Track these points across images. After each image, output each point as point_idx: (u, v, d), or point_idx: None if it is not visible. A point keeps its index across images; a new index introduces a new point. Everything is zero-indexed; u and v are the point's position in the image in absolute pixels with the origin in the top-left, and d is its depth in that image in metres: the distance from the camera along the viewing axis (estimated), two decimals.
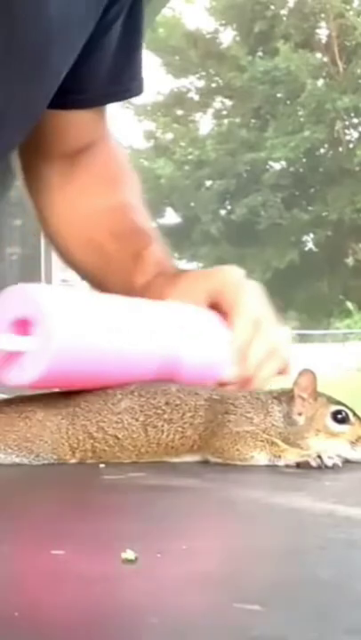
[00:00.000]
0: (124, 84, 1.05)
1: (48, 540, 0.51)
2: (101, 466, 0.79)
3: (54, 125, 1.04)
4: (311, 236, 24.37)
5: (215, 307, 0.91)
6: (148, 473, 0.75)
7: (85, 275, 1.09)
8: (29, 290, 0.81)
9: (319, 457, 0.77)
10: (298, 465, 0.78)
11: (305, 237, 24.42)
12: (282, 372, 0.93)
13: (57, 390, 0.85)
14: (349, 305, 24.85)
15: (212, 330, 0.90)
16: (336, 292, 24.47)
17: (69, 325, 0.78)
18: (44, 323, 0.76)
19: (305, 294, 24.02)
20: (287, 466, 0.78)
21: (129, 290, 0.97)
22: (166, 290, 0.94)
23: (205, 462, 0.81)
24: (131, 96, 1.08)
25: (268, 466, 0.79)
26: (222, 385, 0.88)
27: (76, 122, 1.05)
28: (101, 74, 1.01)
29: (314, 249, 24.47)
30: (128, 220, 1.06)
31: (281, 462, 0.79)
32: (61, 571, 0.44)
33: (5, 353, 0.77)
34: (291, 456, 0.79)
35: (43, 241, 4.11)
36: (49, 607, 0.38)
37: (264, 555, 0.48)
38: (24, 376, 0.77)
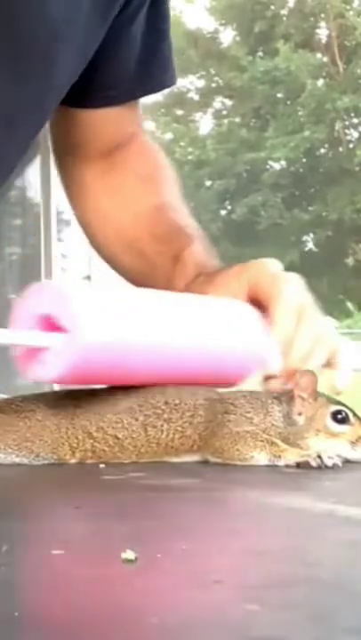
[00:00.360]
0: (153, 76, 1.04)
1: (48, 540, 0.51)
2: (101, 466, 0.79)
3: (88, 125, 1.03)
4: (311, 235, 24.36)
5: (255, 299, 0.89)
6: (148, 473, 0.75)
7: (129, 277, 1.07)
8: (55, 287, 0.81)
9: (319, 457, 0.77)
10: (298, 465, 0.78)
11: (305, 237, 24.42)
12: (331, 363, 0.89)
13: (57, 390, 0.85)
14: (349, 305, 24.83)
15: (254, 322, 0.87)
16: (336, 292, 24.45)
17: (96, 322, 0.77)
18: (70, 319, 0.76)
19: None
20: (287, 466, 0.78)
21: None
22: (205, 288, 0.92)
23: (205, 462, 0.81)
24: (162, 88, 1.07)
25: (268, 466, 0.79)
26: (267, 379, 0.85)
27: (108, 119, 1.04)
28: (129, 68, 1.00)
29: (314, 249, 24.47)
30: (167, 221, 1.04)
31: (281, 462, 0.79)
32: (61, 571, 0.44)
33: (31, 349, 0.77)
34: (291, 456, 0.79)
35: (43, 241, 4.11)
36: (49, 607, 0.38)
37: (264, 554, 0.48)
38: (49, 372, 0.76)
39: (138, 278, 1.04)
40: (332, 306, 24.85)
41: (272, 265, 0.92)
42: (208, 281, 0.94)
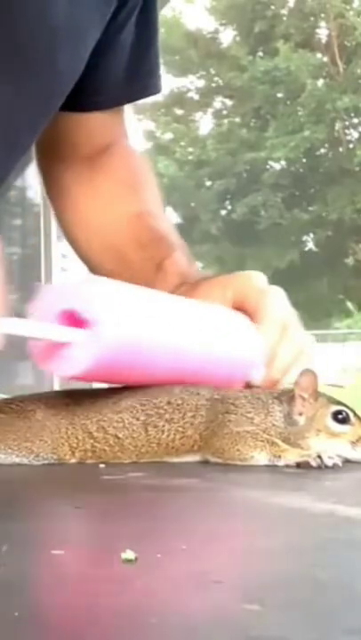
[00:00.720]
0: (140, 82, 1.05)
1: (48, 540, 0.51)
2: (101, 466, 0.79)
3: (73, 128, 1.04)
4: (311, 235, 24.36)
5: (239, 311, 0.91)
6: (148, 473, 0.75)
7: None
8: (79, 283, 0.81)
9: (319, 457, 0.77)
10: (298, 465, 0.78)
11: (305, 237, 24.41)
12: None
13: (57, 390, 0.85)
14: (349, 305, 24.83)
15: (245, 329, 0.89)
16: (336, 291, 24.46)
17: (120, 318, 0.78)
18: (95, 315, 0.76)
19: (305, 294, 24.01)
20: (287, 466, 0.78)
21: None
22: (189, 297, 0.93)
23: (205, 462, 0.81)
24: (148, 95, 1.08)
25: (268, 466, 0.79)
26: (249, 387, 0.88)
27: (94, 124, 1.04)
28: (118, 74, 1.01)
29: (314, 249, 24.47)
30: (149, 228, 1.05)
31: (281, 462, 0.79)
32: (61, 571, 0.44)
33: (54, 343, 0.76)
34: (291, 456, 0.79)
35: (43, 241, 4.12)
36: (49, 607, 0.38)
37: (264, 555, 0.48)
38: (73, 367, 0.76)
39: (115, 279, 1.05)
40: (332, 306, 24.86)
41: (257, 278, 0.94)
42: (191, 290, 0.95)
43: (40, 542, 0.51)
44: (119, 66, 1.00)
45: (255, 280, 0.93)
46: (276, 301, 0.92)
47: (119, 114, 1.08)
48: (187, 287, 0.97)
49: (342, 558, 0.48)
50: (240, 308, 0.90)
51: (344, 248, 23.79)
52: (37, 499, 0.67)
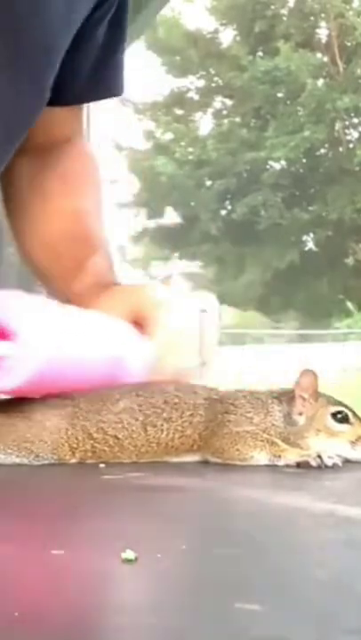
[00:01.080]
0: (105, 83, 1.06)
1: (48, 540, 0.51)
2: (101, 466, 0.79)
3: None
4: (311, 235, 24.36)
5: (136, 324, 0.95)
6: (148, 473, 0.75)
7: (37, 274, 1.11)
8: (4, 297, 0.83)
9: (319, 457, 0.77)
10: (298, 465, 0.78)
11: (305, 237, 24.41)
12: None
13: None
14: (349, 305, 24.84)
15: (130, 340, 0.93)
16: (336, 291, 24.46)
17: (48, 334, 0.82)
18: (25, 330, 0.79)
19: (305, 294, 24.02)
20: (287, 466, 0.78)
21: (67, 295, 1.03)
22: (94, 301, 0.98)
23: (205, 462, 0.81)
24: (110, 96, 1.09)
25: (268, 466, 0.79)
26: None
27: (52, 119, 1.05)
28: (84, 72, 1.02)
29: (314, 249, 24.47)
30: (81, 226, 1.08)
31: (281, 462, 0.79)
32: (61, 571, 0.44)
33: None
34: (291, 456, 0.79)
35: None
36: (49, 607, 0.38)
37: (264, 555, 0.48)
38: (5, 382, 0.79)
39: (46, 275, 1.09)
40: (332, 306, 24.87)
41: (154, 293, 0.99)
42: (98, 294, 1.00)
43: (40, 542, 0.51)
44: (86, 65, 1.01)
45: (152, 294, 0.98)
46: (166, 317, 0.96)
47: (78, 111, 1.10)
48: (96, 290, 1.01)
49: (342, 558, 0.48)
50: (136, 320, 0.95)
51: (344, 248, 23.79)
52: (37, 499, 0.67)
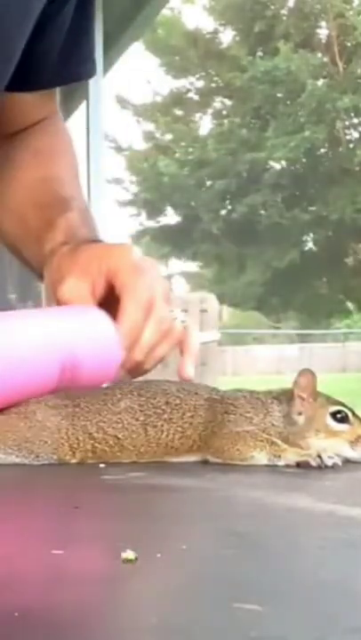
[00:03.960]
0: (74, 66, 1.05)
1: (48, 540, 0.51)
2: (101, 466, 0.79)
3: (2, 107, 1.03)
4: (311, 235, 24.35)
5: (111, 287, 0.90)
6: (148, 473, 0.75)
7: (9, 245, 1.09)
8: None
9: (319, 456, 0.77)
10: (298, 464, 0.78)
11: (305, 237, 24.41)
12: (182, 350, 0.94)
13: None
14: (349, 305, 24.84)
15: (103, 328, 0.88)
16: (336, 291, 24.45)
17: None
18: None
19: (305, 294, 24.02)
20: (287, 466, 0.78)
21: (40, 257, 0.98)
22: (65, 264, 0.93)
23: (205, 462, 0.81)
24: (80, 79, 1.08)
25: (268, 466, 0.79)
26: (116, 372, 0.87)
27: (24, 104, 1.04)
28: (53, 56, 1.01)
29: (314, 249, 24.46)
30: (51, 191, 1.04)
31: (281, 462, 0.79)
32: (61, 571, 0.44)
33: None
34: (291, 455, 0.79)
35: None
36: (49, 607, 0.38)
37: (264, 555, 0.48)
38: None
39: (17, 245, 1.06)
40: (332, 306, 24.87)
41: (130, 254, 0.93)
42: (70, 257, 0.94)
43: (40, 542, 0.51)
44: (54, 49, 1.00)
45: (126, 257, 0.92)
46: (146, 280, 0.90)
47: (51, 94, 1.09)
48: (68, 249, 0.96)
49: (342, 558, 0.48)
50: (111, 283, 0.90)
51: (344, 248, 23.79)
52: (37, 499, 0.67)
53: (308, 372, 0.82)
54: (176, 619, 0.36)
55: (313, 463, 0.77)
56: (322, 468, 0.77)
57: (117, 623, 0.36)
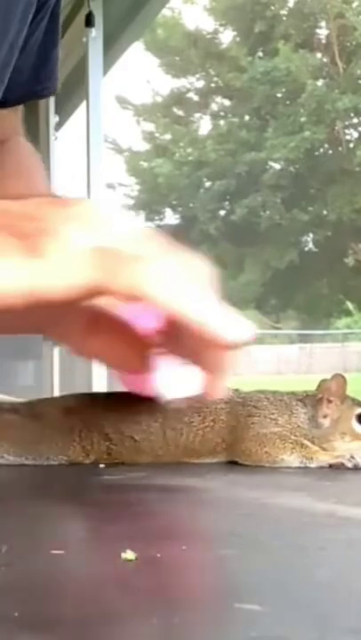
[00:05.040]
0: (42, 82, 1.05)
1: (48, 540, 0.51)
2: (101, 466, 0.79)
3: None
4: (311, 236, 24.34)
5: None
6: (148, 473, 0.75)
7: None
8: None
9: (352, 457, 0.77)
10: (330, 466, 0.77)
11: (305, 237, 24.40)
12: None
13: (74, 393, 0.85)
14: (349, 305, 24.82)
15: None
16: (336, 291, 24.45)
17: None
18: None
19: (305, 294, 24.01)
20: (288, 467, 0.78)
21: None
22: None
23: (205, 462, 0.81)
24: (48, 94, 1.08)
25: (268, 466, 0.79)
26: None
27: None
28: (24, 72, 1.01)
29: (314, 249, 24.45)
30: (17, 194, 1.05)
31: (313, 464, 0.78)
32: (61, 571, 0.44)
33: None
34: (324, 457, 0.78)
35: None
36: (49, 607, 0.38)
37: (264, 555, 0.48)
38: None
39: None
40: (331, 306, 24.86)
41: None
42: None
43: (40, 542, 0.51)
44: (26, 65, 1.00)
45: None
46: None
47: (16, 111, 1.09)
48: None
49: (342, 558, 0.48)
50: None
51: (344, 248, 23.78)
52: (38, 499, 0.67)
53: (340, 377, 0.81)
54: (176, 619, 0.36)
55: (348, 464, 0.76)
56: (359, 468, 0.76)
57: (117, 623, 0.36)
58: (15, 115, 1.09)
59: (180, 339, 0.52)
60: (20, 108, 1.09)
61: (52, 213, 0.48)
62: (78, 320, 0.55)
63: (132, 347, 0.56)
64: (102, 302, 0.53)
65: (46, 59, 1.03)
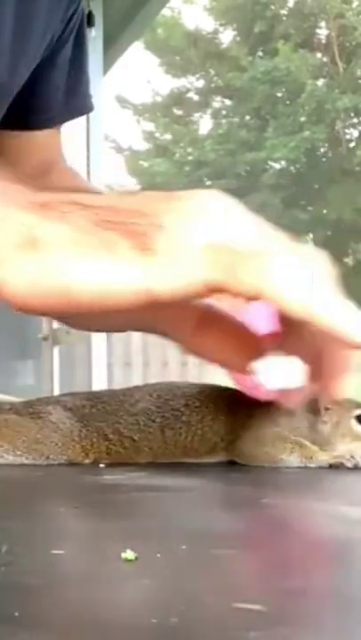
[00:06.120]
0: (79, 100, 1.05)
1: (48, 540, 0.51)
2: (101, 466, 0.79)
3: (12, 149, 1.02)
4: (311, 235, 24.35)
5: None
6: (148, 473, 0.75)
7: None
8: None
9: (352, 457, 0.77)
10: (330, 466, 0.77)
11: (304, 237, 24.39)
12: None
13: (74, 392, 0.85)
14: None
15: None
16: None
17: None
18: None
19: None
20: (288, 467, 0.78)
21: None
22: None
23: (205, 462, 0.81)
24: (85, 112, 1.09)
25: (268, 466, 0.79)
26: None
27: (34, 143, 1.03)
28: (58, 92, 1.01)
29: None
30: None
31: (313, 464, 0.78)
32: (61, 571, 0.44)
33: None
34: (323, 457, 0.78)
35: None
36: (49, 607, 0.38)
37: (264, 555, 0.48)
38: None
39: None
40: None
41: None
42: None
43: (40, 542, 0.51)
44: (61, 84, 1.00)
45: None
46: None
47: (57, 133, 1.08)
48: None
49: (342, 558, 0.48)
50: None
51: (344, 248, 23.77)
52: (37, 499, 0.67)
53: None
54: (176, 619, 0.36)
55: (348, 464, 0.77)
56: (359, 467, 0.76)
57: (117, 623, 0.36)
58: (56, 139, 1.08)
59: (296, 338, 0.51)
60: (59, 130, 1.09)
61: (164, 209, 0.46)
62: (189, 318, 0.54)
63: (244, 347, 0.54)
64: (214, 300, 0.52)
65: (79, 76, 1.03)
